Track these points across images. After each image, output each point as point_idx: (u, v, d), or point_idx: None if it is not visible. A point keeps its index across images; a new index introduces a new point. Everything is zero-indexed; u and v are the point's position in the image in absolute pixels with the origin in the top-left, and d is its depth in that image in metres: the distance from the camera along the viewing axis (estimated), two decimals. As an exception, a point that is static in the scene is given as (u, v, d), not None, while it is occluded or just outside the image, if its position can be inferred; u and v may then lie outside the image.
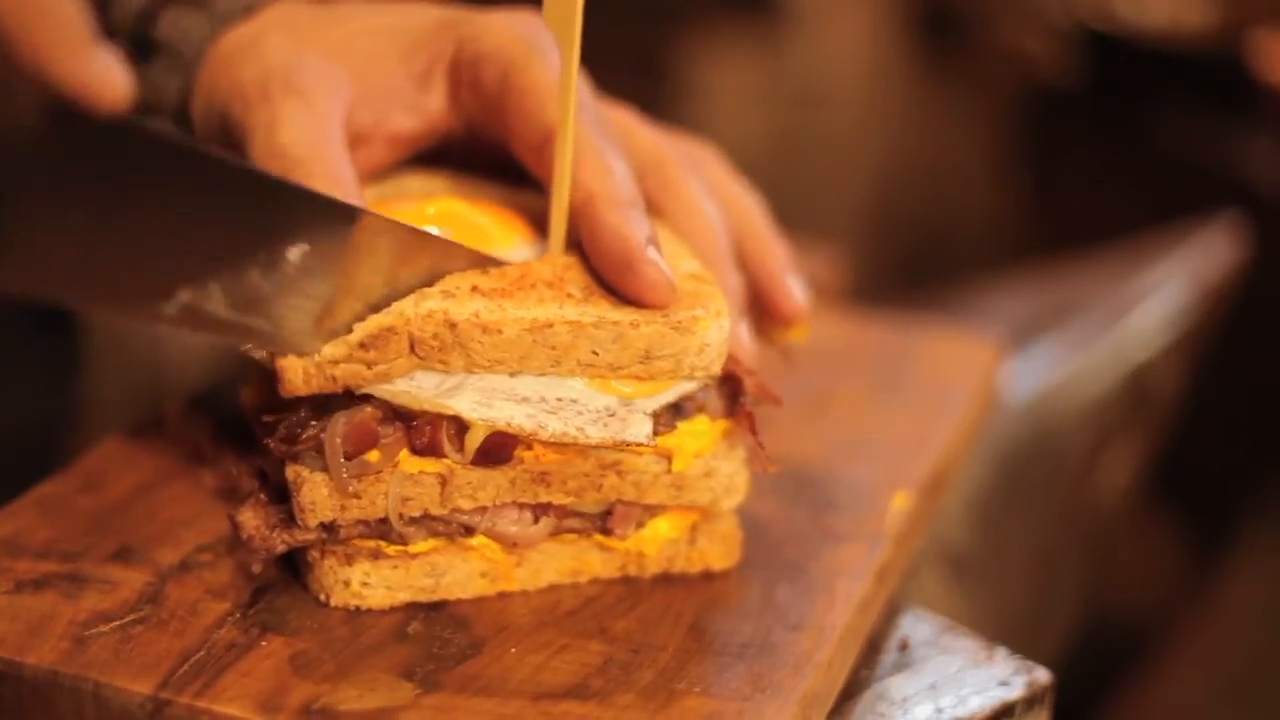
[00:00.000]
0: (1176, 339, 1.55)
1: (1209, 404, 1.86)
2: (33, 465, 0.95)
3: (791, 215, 1.21)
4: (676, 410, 0.87)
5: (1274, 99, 2.53)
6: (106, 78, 0.70)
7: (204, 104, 0.95)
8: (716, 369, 0.86)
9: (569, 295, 0.84)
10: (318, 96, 0.89)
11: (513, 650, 0.83)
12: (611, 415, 0.85)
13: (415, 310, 0.82)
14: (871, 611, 0.93)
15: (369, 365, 0.82)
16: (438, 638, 0.84)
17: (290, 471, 0.84)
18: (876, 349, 1.23)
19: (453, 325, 0.82)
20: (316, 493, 0.83)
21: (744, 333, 0.93)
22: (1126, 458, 1.54)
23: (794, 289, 1.00)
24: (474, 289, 0.84)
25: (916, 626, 0.95)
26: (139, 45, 0.97)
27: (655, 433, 0.85)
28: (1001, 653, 0.92)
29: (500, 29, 0.91)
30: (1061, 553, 1.46)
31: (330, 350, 0.81)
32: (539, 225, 0.91)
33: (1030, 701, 0.90)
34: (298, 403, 0.83)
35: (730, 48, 3.22)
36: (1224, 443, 2.40)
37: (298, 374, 0.81)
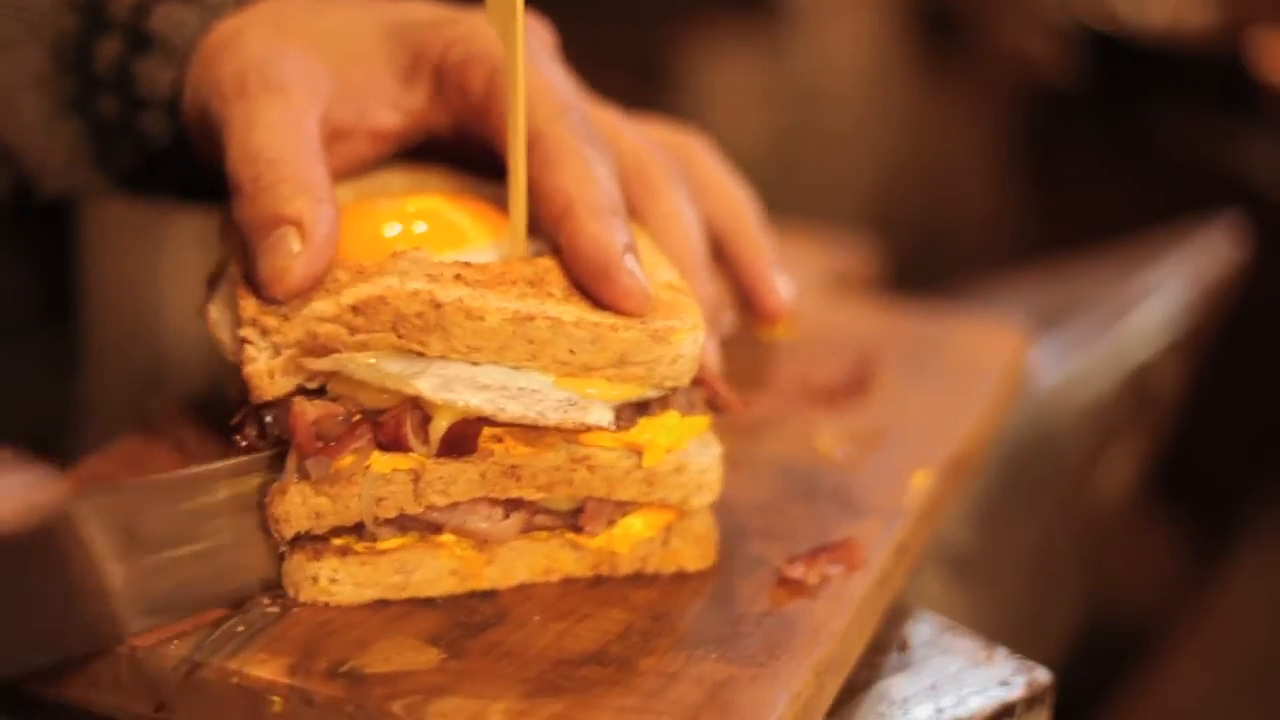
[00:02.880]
0: (1177, 339, 1.55)
1: (1209, 404, 1.86)
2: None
3: (792, 214, 1.21)
4: (640, 408, 0.88)
5: (1274, 99, 2.53)
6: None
7: (190, 99, 0.95)
8: (686, 381, 0.87)
9: (549, 294, 0.85)
10: (294, 92, 0.89)
11: (536, 618, 0.85)
12: (572, 404, 0.86)
13: (402, 286, 0.83)
14: (890, 587, 0.94)
15: (352, 331, 0.83)
16: (464, 606, 0.86)
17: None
18: (907, 336, 1.25)
19: (438, 305, 0.83)
20: (290, 503, 0.84)
21: (711, 346, 0.93)
22: (1127, 458, 1.54)
23: (779, 285, 1.01)
24: (458, 277, 0.84)
25: (916, 626, 0.95)
26: (134, 39, 0.97)
27: (617, 426, 0.86)
28: (1001, 653, 0.92)
29: (491, 31, 0.90)
30: (1062, 553, 1.46)
31: (320, 306, 0.82)
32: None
33: (1030, 701, 0.90)
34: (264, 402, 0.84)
35: (730, 48, 3.22)
36: (1224, 443, 2.40)
37: (264, 377, 0.82)
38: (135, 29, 0.97)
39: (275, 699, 0.78)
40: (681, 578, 0.90)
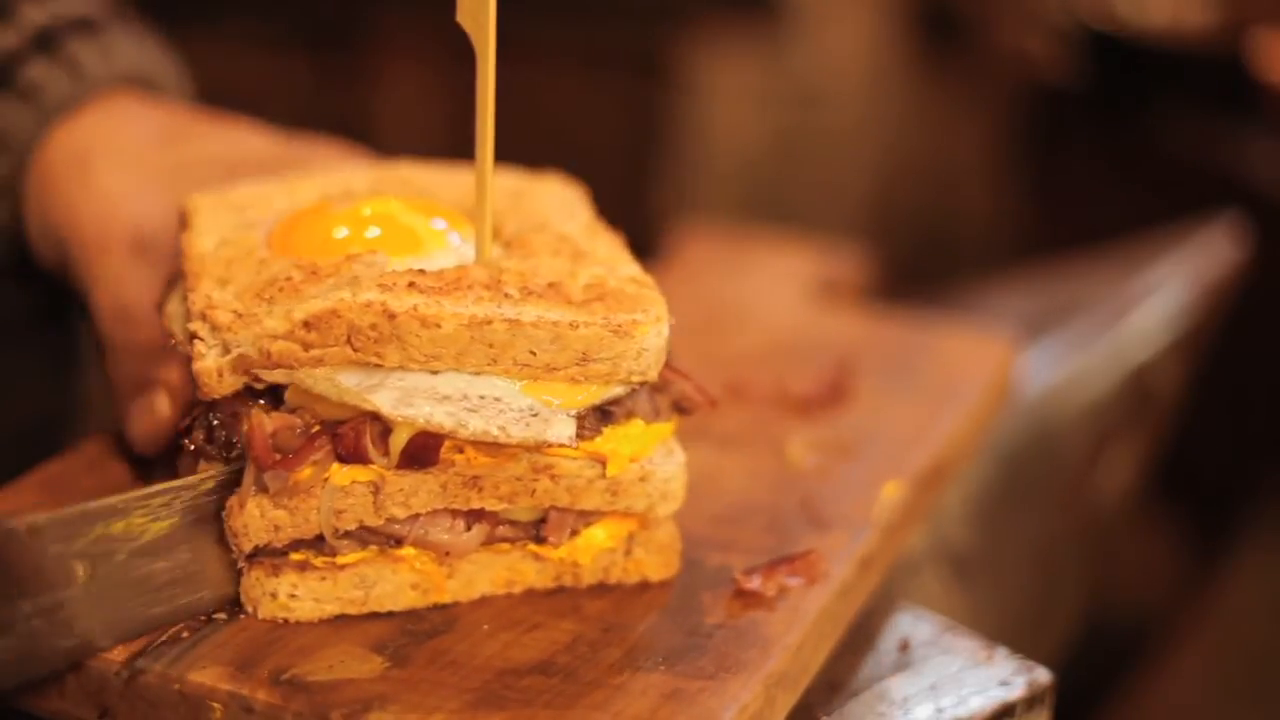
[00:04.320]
0: (1176, 339, 1.55)
1: (1209, 404, 1.86)
2: (33, 465, 0.95)
3: (792, 214, 1.21)
4: (603, 415, 0.87)
5: (1274, 99, 2.53)
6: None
7: (38, 223, 1.00)
8: (653, 374, 0.86)
9: (506, 295, 0.84)
10: (157, 251, 0.95)
11: (485, 627, 0.85)
12: (534, 415, 0.84)
13: (354, 298, 0.82)
14: (853, 599, 0.93)
15: (305, 347, 0.81)
16: (414, 613, 0.86)
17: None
18: (889, 345, 1.24)
19: (392, 316, 0.81)
20: (248, 516, 0.83)
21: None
22: (1127, 457, 1.53)
23: None
24: (411, 285, 0.83)
25: (916, 626, 0.95)
26: None
27: (579, 436, 0.85)
28: (1001, 653, 0.92)
29: (330, 157, 1.01)
30: (1062, 552, 1.46)
31: (271, 324, 0.81)
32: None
33: (1030, 701, 0.90)
34: (215, 402, 0.84)
35: (730, 48, 3.22)
36: (1224, 443, 2.40)
37: (212, 375, 0.82)
38: None
39: (215, 705, 0.77)
40: (639, 588, 0.89)
